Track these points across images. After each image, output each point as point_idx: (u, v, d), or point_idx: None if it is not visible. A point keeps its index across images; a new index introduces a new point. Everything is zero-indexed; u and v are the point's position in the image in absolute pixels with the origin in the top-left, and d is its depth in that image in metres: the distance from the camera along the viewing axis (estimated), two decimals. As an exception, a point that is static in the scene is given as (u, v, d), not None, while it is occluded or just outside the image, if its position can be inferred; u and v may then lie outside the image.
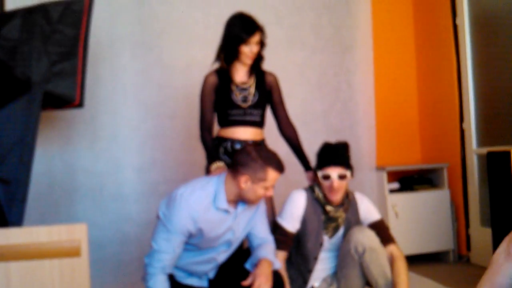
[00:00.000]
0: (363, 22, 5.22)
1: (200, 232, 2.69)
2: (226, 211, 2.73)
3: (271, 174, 2.67)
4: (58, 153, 4.36)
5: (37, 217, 4.08)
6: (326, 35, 5.09)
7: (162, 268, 2.63)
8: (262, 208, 2.98)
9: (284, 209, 3.11)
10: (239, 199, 2.76)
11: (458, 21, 4.88)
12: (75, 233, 2.49)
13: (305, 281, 3.12)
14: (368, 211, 3.17)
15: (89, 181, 4.40)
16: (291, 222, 3.06)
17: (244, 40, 3.15)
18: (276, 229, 3.07)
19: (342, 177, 2.99)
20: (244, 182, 2.66)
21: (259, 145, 3.23)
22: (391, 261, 2.98)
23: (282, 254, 3.04)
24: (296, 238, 3.10)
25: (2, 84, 2.94)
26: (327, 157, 3.03)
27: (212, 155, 3.20)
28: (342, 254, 3.05)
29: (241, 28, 3.16)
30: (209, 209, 2.70)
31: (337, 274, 3.12)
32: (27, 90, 2.86)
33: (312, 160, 3.33)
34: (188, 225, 2.64)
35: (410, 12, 5.57)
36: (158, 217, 2.72)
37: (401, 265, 2.97)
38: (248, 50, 3.18)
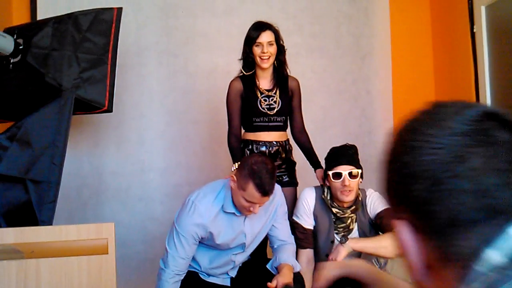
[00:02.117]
0: (381, 31, 5.27)
1: (211, 235, 2.74)
2: (234, 214, 2.77)
3: (250, 189, 2.59)
4: (87, 156, 4.51)
5: (66, 217, 4.21)
6: (345, 43, 5.15)
7: (177, 272, 2.70)
8: (282, 211, 3.01)
9: (297, 207, 3.17)
10: None
11: (475, 29, 4.91)
12: (103, 232, 2.60)
13: None
14: (374, 205, 3.11)
15: (116, 182, 4.55)
16: (306, 219, 3.12)
17: (254, 40, 3.19)
18: (294, 228, 3.12)
19: (353, 176, 2.98)
20: (232, 182, 2.67)
21: (283, 146, 3.33)
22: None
23: (307, 252, 3.09)
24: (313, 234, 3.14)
25: (35, 89, 3.08)
26: (337, 157, 3.01)
27: (236, 160, 3.22)
28: (363, 259, 3.02)
29: (251, 30, 3.24)
30: (219, 213, 2.74)
31: None
32: (58, 95, 2.96)
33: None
34: (197, 231, 2.69)
35: (428, 20, 5.58)
36: (173, 221, 2.78)
37: (393, 232, 2.84)
38: (260, 51, 3.20)
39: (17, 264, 2.47)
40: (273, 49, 3.24)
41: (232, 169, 3.16)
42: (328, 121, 5.05)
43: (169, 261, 2.69)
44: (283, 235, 3.00)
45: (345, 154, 3.03)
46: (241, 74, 3.36)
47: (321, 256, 3.14)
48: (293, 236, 3.06)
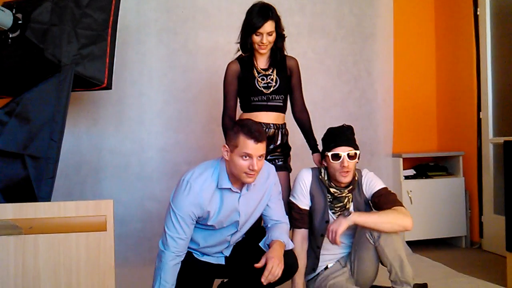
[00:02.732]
0: (384, 11, 5.23)
1: (208, 214, 2.74)
2: (230, 190, 2.77)
3: (242, 140, 2.61)
4: (86, 133, 4.52)
5: (64, 193, 4.24)
6: (347, 24, 5.13)
7: (177, 254, 2.70)
8: (276, 191, 3.01)
9: (294, 187, 3.19)
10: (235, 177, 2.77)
11: (479, 12, 4.89)
12: (102, 209, 2.59)
13: (317, 256, 3.20)
14: (369, 184, 3.17)
15: (115, 160, 4.56)
16: (302, 200, 3.14)
17: (254, 30, 3.16)
18: (290, 208, 3.15)
19: (351, 156, 3.01)
20: (225, 152, 2.68)
21: (280, 128, 3.31)
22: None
23: (302, 232, 3.13)
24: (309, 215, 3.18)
25: (34, 65, 3.04)
26: (336, 138, 3.03)
27: None
28: (357, 237, 3.10)
29: (253, 17, 3.17)
30: (214, 191, 2.74)
31: (351, 256, 3.18)
32: (57, 71, 2.93)
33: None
34: (194, 210, 2.69)
35: (431, 2, 5.56)
36: (169, 202, 2.77)
37: (397, 214, 2.90)
38: (259, 40, 3.18)
39: (16, 239, 2.48)
40: (272, 38, 3.22)
41: None
42: (328, 102, 5.04)
43: (169, 243, 2.69)
44: (277, 214, 3.00)
45: (344, 135, 3.05)
46: (239, 56, 3.34)
47: (316, 236, 3.18)
48: (287, 216, 3.08)
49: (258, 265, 2.67)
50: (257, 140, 2.62)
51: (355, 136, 3.13)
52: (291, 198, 3.19)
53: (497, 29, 4.79)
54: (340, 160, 3.00)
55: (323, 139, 3.14)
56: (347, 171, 3.02)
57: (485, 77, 4.84)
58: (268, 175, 2.95)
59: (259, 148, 2.64)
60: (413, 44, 5.48)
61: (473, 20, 4.94)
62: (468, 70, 5.03)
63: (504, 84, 4.74)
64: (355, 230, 3.15)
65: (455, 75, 5.26)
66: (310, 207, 3.17)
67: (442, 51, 5.46)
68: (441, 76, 5.48)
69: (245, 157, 2.62)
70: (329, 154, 3.02)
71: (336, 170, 3.04)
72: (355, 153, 3.03)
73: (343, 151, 3.00)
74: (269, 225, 2.99)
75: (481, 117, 4.89)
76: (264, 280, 2.63)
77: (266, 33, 3.17)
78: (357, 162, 3.09)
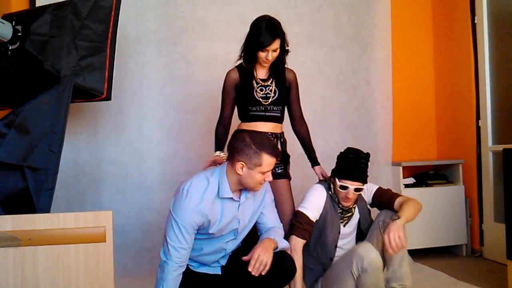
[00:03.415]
0: (382, 21, 5.25)
1: (208, 223, 2.75)
2: (231, 199, 2.79)
3: (266, 159, 2.69)
4: (85, 144, 4.51)
5: (64, 204, 4.23)
6: (346, 33, 5.14)
7: (180, 264, 2.69)
8: (269, 198, 3.05)
9: (307, 199, 3.22)
10: (241, 187, 2.80)
11: (476, 20, 4.90)
12: (101, 220, 2.58)
13: (325, 269, 3.24)
14: (367, 189, 3.32)
15: (114, 171, 4.55)
16: (313, 212, 3.19)
17: (261, 48, 3.14)
18: (299, 218, 3.17)
19: (358, 189, 3.12)
20: (240, 168, 2.70)
21: (279, 137, 3.31)
22: (402, 204, 3.12)
23: (301, 242, 3.15)
24: (317, 229, 3.22)
25: (33, 76, 3.05)
26: (349, 170, 3.11)
27: (217, 146, 3.29)
28: (371, 230, 3.23)
29: (261, 35, 3.13)
30: (214, 200, 2.75)
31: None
32: (56, 83, 2.94)
33: (322, 156, 3.41)
34: (196, 219, 2.69)
35: (429, 10, 5.58)
36: (169, 212, 2.77)
37: (410, 200, 3.14)
38: (264, 56, 3.17)
39: (15, 251, 2.47)
40: (276, 54, 3.22)
41: (214, 155, 3.22)
42: (327, 111, 5.04)
43: (171, 253, 2.67)
44: (272, 222, 3.03)
45: (357, 168, 3.12)
46: (239, 64, 3.34)
47: (330, 247, 3.23)
48: (281, 223, 3.10)
49: (246, 258, 2.70)
50: (278, 156, 2.78)
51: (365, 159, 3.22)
52: (301, 209, 3.20)
53: (495, 37, 4.80)
54: (346, 191, 3.12)
55: (338, 160, 3.21)
56: (350, 200, 3.16)
57: (484, 85, 4.84)
58: None
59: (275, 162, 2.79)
60: (412, 53, 5.49)
61: (471, 28, 4.95)
62: (466, 78, 5.04)
63: (503, 92, 4.75)
64: (356, 237, 3.33)
65: (453, 83, 5.27)
66: (318, 221, 3.22)
67: (441, 59, 5.47)
68: (440, 84, 5.49)
69: (266, 171, 2.74)
70: (338, 183, 3.14)
71: (340, 196, 3.18)
72: (363, 188, 3.16)
73: (352, 185, 3.11)
74: (263, 232, 3.01)
75: (480, 125, 4.89)
76: (251, 269, 2.65)
77: (272, 50, 3.17)
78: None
